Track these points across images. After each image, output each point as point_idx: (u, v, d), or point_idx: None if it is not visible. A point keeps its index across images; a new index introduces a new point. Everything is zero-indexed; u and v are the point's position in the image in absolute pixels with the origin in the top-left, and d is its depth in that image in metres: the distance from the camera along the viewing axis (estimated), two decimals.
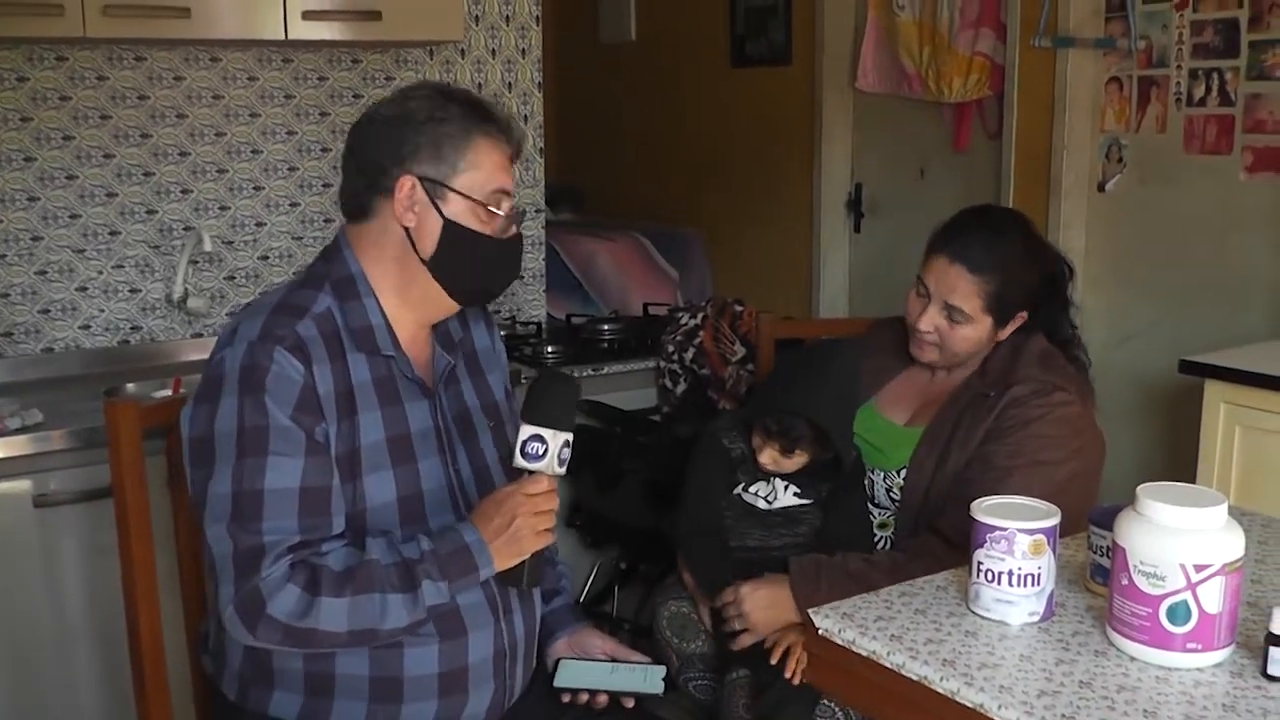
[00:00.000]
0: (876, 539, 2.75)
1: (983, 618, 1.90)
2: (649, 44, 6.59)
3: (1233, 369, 3.28)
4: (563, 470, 2.11)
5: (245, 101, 3.79)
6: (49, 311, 3.59)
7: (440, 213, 2.16)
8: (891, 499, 2.73)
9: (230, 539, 2.01)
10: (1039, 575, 1.86)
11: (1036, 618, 1.88)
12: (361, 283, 2.19)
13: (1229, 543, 1.70)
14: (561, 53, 6.78)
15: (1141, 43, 4.20)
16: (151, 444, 2.34)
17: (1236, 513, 1.87)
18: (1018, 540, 1.85)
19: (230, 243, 3.83)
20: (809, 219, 5.64)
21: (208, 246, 3.62)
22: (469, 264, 2.21)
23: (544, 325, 4.34)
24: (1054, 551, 1.87)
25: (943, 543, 2.49)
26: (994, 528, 1.86)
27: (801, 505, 2.71)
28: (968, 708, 1.68)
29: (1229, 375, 3.28)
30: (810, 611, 1.96)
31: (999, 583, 1.87)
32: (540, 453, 2.07)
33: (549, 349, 3.98)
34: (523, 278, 4.30)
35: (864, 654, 1.85)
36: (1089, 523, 2.00)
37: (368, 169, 2.18)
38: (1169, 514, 1.71)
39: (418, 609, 2.05)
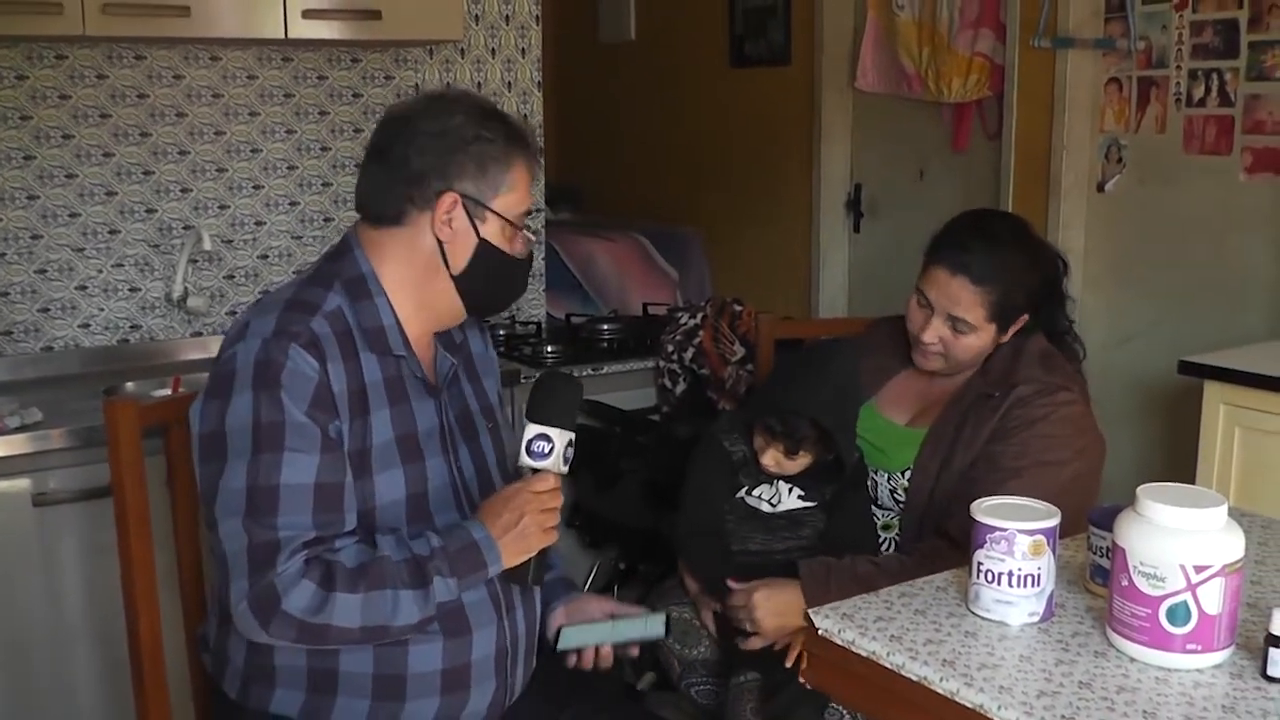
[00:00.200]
0: (881, 540, 2.75)
1: (982, 618, 1.90)
2: (648, 44, 6.59)
3: (1232, 370, 3.28)
4: (566, 469, 2.15)
5: (245, 100, 3.79)
6: (48, 310, 3.59)
7: (477, 231, 2.19)
8: (895, 500, 2.73)
9: (245, 534, 2.01)
10: (1039, 576, 1.86)
11: (1036, 618, 1.88)
12: (372, 282, 2.19)
13: (1229, 544, 1.70)
14: (561, 52, 6.78)
15: (1141, 43, 4.20)
16: (151, 443, 2.34)
17: (1236, 514, 1.87)
18: (1017, 541, 1.85)
19: (230, 241, 3.83)
20: (808, 219, 5.64)
21: (207, 245, 3.62)
22: (492, 281, 2.27)
23: (543, 325, 4.34)
24: (1054, 552, 1.87)
25: (951, 545, 2.48)
26: (994, 528, 1.86)
27: (805, 508, 2.70)
28: (967, 708, 1.68)
29: (1228, 376, 3.28)
30: (810, 612, 1.96)
31: (999, 583, 1.87)
32: (546, 451, 2.11)
33: (548, 348, 3.98)
34: None
35: (864, 654, 1.85)
36: (1089, 523, 2.00)
37: (409, 178, 2.17)
38: (1169, 515, 1.71)
39: (429, 606, 2.06)
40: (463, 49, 4.11)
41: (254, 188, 3.84)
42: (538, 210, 4.32)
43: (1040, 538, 1.85)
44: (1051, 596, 1.89)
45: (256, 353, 2.06)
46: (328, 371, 2.07)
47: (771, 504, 2.70)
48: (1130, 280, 4.36)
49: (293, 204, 3.90)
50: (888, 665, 1.81)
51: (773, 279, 5.82)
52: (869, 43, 5.19)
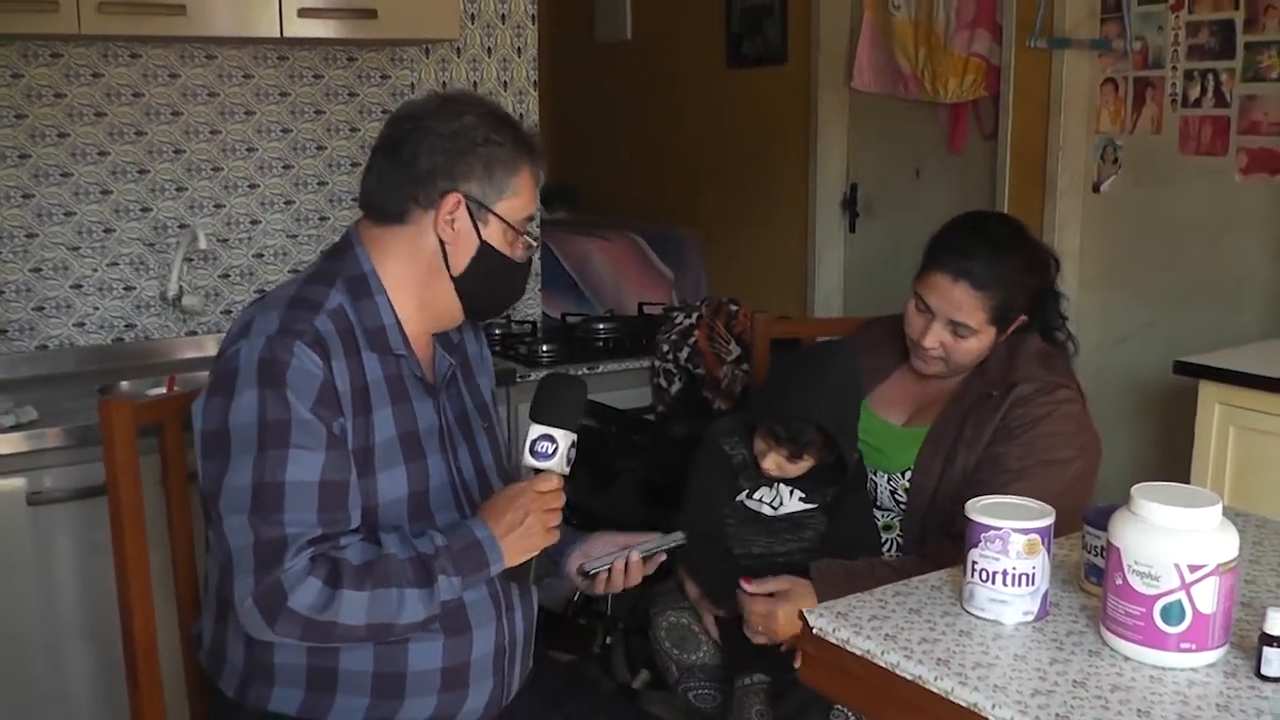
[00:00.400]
0: (882, 541, 2.75)
1: (977, 617, 1.90)
2: (645, 43, 6.59)
3: (1227, 370, 3.28)
4: (568, 470, 2.16)
5: (240, 99, 3.79)
6: (43, 309, 3.59)
7: (479, 234, 2.20)
8: (896, 501, 2.73)
9: (251, 530, 2.01)
10: (1033, 575, 1.86)
11: (1031, 617, 1.88)
12: (374, 281, 2.20)
13: (1223, 543, 1.70)
14: (557, 51, 6.77)
15: (1137, 44, 4.20)
16: (146, 442, 2.35)
17: (1231, 513, 1.87)
18: (1012, 540, 1.85)
19: (225, 240, 3.83)
20: (804, 219, 5.64)
21: (203, 244, 3.62)
22: (491, 284, 2.27)
23: (539, 324, 4.34)
24: (1048, 551, 1.87)
25: (959, 547, 2.47)
26: (988, 527, 1.86)
27: (807, 510, 2.69)
28: (962, 707, 1.68)
29: (1224, 376, 3.28)
30: (804, 610, 1.96)
31: (993, 582, 1.87)
32: (550, 452, 2.13)
33: (544, 348, 3.97)
34: None
35: (858, 653, 1.84)
36: (1083, 522, 1.99)
37: (416, 176, 2.17)
38: (1164, 514, 1.71)
39: (433, 604, 2.06)
40: (459, 48, 4.11)
41: (249, 186, 3.84)
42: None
43: (1035, 536, 1.85)
44: (1046, 595, 1.89)
45: (261, 350, 2.06)
46: (332, 369, 2.08)
47: (773, 507, 2.69)
48: (1126, 280, 4.37)
49: (288, 203, 3.90)
50: (882, 664, 1.80)
51: (768, 278, 5.82)
52: (865, 43, 5.19)
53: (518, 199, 2.21)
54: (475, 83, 4.13)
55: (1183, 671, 1.72)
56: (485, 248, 2.20)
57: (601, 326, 4.23)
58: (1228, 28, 3.94)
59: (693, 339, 3.92)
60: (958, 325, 2.64)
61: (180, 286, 3.71)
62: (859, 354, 2.79)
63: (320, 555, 2.01)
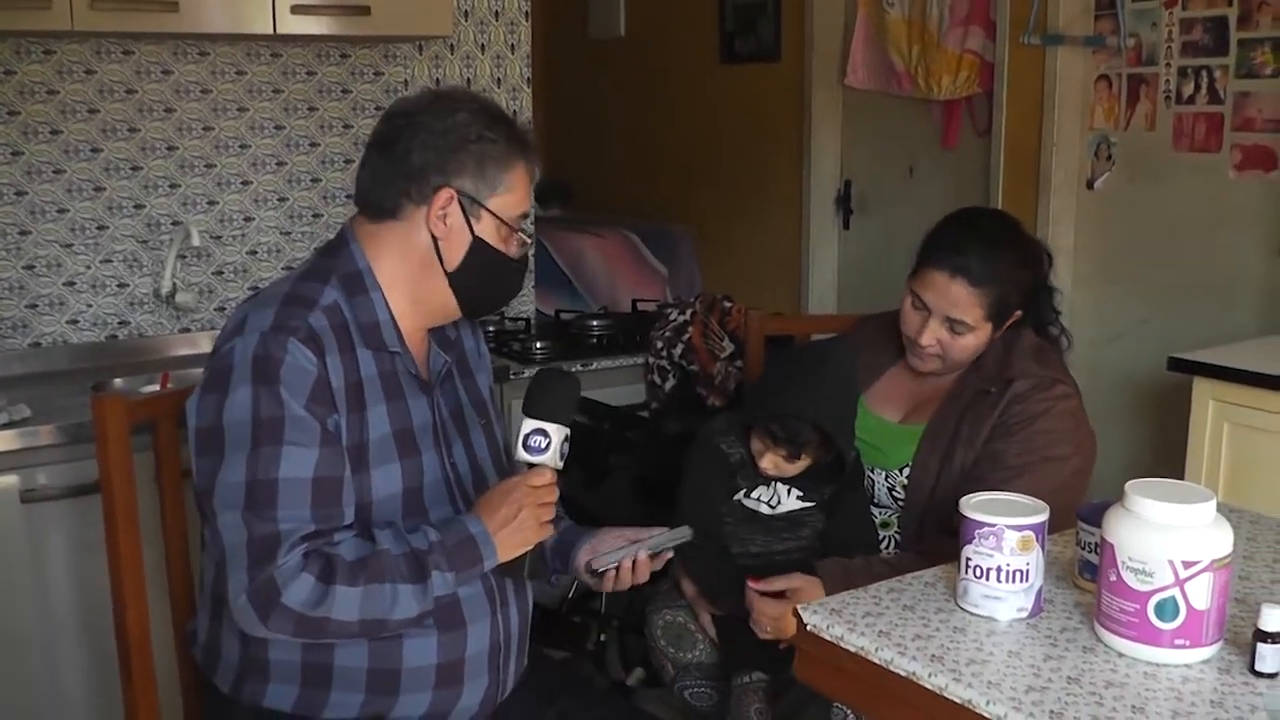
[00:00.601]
0: (880, 539, 2.75)
1: (971, 613, 1.90)
2: (638, 40, 6.59)
3: (1221, 366, 3.28)
4: (561, 464, 2.16)
5: (233, 96, 3.78)
6: (36, 306, 3.58)
7: (471, 229, 2.19)
8: (894, 498, 2.73)
9: (244, 527, 2.01)
10: (1027, 571, 1.86)
11: (1025, 614, 1.88)
12: (369, 278, 2.20)
13: (1217, 539, 1.71)
14: (550, 48, 6.76)
15: (1131, 40, 4.20)
16: (139, 439, 2.34)
17: (1225, 509, 1.87)
18: (1006, 536, 1.85)
19: (218, 237, 3.82)
20: (798, 215, 5.64)
21: (196, 241, 3.62)
22: (486, 280, 2.26)
23: (533, 321, 4.34)
24: (1042, 548, 1.88)
25: (957, 545, 2.47)
26: (982, 524, 1.86)
27: (804, 508, 2.69)
28: (956, 703, 1.68)
29: (1218, 373, 3.28)
30: (799, 607, 1.96)
31: (987, 578, 1.87)
32: (543, 446, 2.13)
33: (538, 345, 3.97)
34: None
35: (852, 650, 1.84)
36: (1078, 519, 2.00)
37: (409, 172, 2.17)
38: (1158, 510, 1.71)
39: (427, 600, 2.06)
40: (452, 45, 4.11)
41: (243, 183, 3.84)
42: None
43: (1029, 533, 1.85)
44: (1040, 592, 1.89)
45: (255, 347, 2.06)
46: (326, 366, 2.08)
47: (771, 506, 2.68)
48: (1120, 277, 4.37)
49: (281, 200, 3.90)
50: (876, 661, 1.80)
51: (762, 275, 5.81)
52: (859, 40, 5.19)
53: (511, 195, 2.21)
54: (469, 79, 4.13)
55: (1177, 668, 1.72)
56: (479, 243, 2.20)
57: (595, 323, 4.23)
58: (1221, 24, 3.94)
59: (687, 336, 3.91)
60: (955, 322, 2.64)
61: (174, 283, 3.70)
62: (856, 350, 2.79)
63: (314, 551, 2.01)
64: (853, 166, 5.52)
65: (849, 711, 2.51)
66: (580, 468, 3.72)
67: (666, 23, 6.34)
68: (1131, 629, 1.73)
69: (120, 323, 3.71)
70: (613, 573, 2.39)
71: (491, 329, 4.10)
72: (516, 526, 2.11)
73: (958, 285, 2.61)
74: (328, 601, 2.00)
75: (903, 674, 1.76)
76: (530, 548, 2.15)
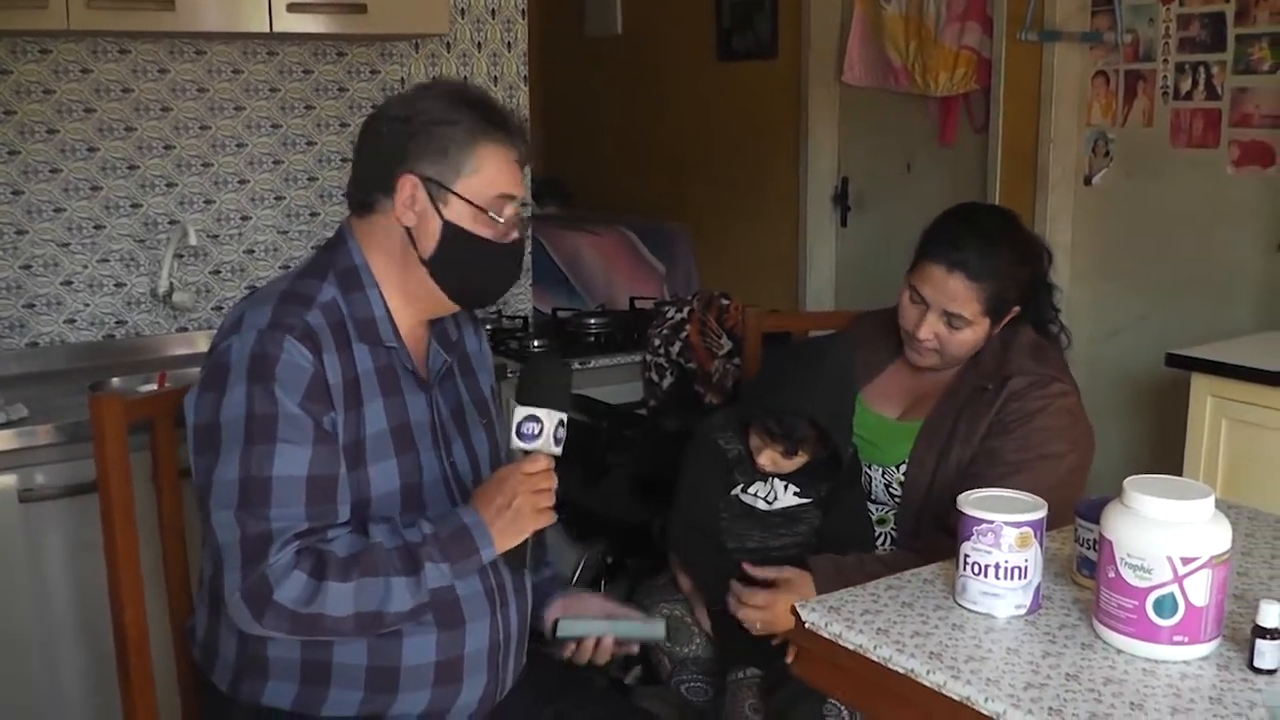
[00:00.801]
0: (876, 535, 2.75)
1: (969, 610, 1.90)
2: (635, 37, 6.58)
3: (1219, 362, 3.28)
4: (559, 450, 2.14)
5: (230, 94, 3.78)
6: (34, 306, 3.58)
7: (440, 214, 2.17)
8: (890, 495, 2.73)
9: (238, 525, 2.02)
10: (1025, 568, 1.86)
11: (1023, 610, 1.88)
12: (365, 274, 2.20)
13: (1216, 535, 1.71)
14: (547, 46, 6.76)
15: (1128, 36, 4.20)
16: (137, 438, 2.34)
17: (1223, 505, 1.87)
18: (1004, 533, 1.85)
19: (215, 237, 3.82)
20: (795, 213, 5.64)
21: (193, 240, 3.61)
22: (467, 266, 2.22)
23: (530, 319, 4.33)
24: (1041, 544, 1.88)
25: (953, 542, 2.46)
26: (980, 520, 1.86)
27: (801, 505, 2.69)
28: (955, 700, 1.68)
29: (1216, 369, 3.28)
30: (797, 604, 1.96)
31: (986, 575, 1.87)
32: (536, 432, 2.11)
33: (535, 343, 3.97)
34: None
35: (851, 647, 1.85)
36: (1076, 515, 2.00)
37: (375, 165, 2.19)
38: (1156, 507, 1.71)
39: (421, 592, 2.06)
40: (448, 43, 4.11)
41: (239, 182, 3.83)
42: (523, 204, 4.30)
43: (1027, 530, 1.85)
44: (1038, 589, 1.89)
45: (252, 345, 2.06)
46: (323, 363, 2.08)
47: (768, 502, 2.69)
48: (1117, 273, 4.37)
49: (278, 199, 3.89)
50: (875, 658, 1.81)
51: (760, 273, 5.81)
52: (856, 36, 5.19)
53: (479, 176, 2.17)
54: (465, 78, 4.13)
55: (1175, 664, 1.72)
56: (451, 228, 2.17)
57: (592, 321, 4.22)
58: (1219, 20, 3.94)
59: (684, 333, 3.91)
60: (952, 316, 2.64)
61: (171, 283, 3.70)
62: (854, 347, 2.79)
63: (306, 548, 2.02)
64: (850, 163, 5.52)
65: (843, 707, 2.52)
66: (578, 466, 3.72)
67: (663, 20, 6.34)
68: (1130, 625, 1.73)
69: (117, 322, 3.71)
70: (573, 645, 2.40)
71: (489, 327, 4.09)
72: (512, 515, 2.10)
73: (955, 279, 2.61)
74: (320, 598, 2.00)
75: (901, 671, 1.76)
76: (528, 536, 2.14)
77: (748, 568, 2.61)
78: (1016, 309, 2.70)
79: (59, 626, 3.05)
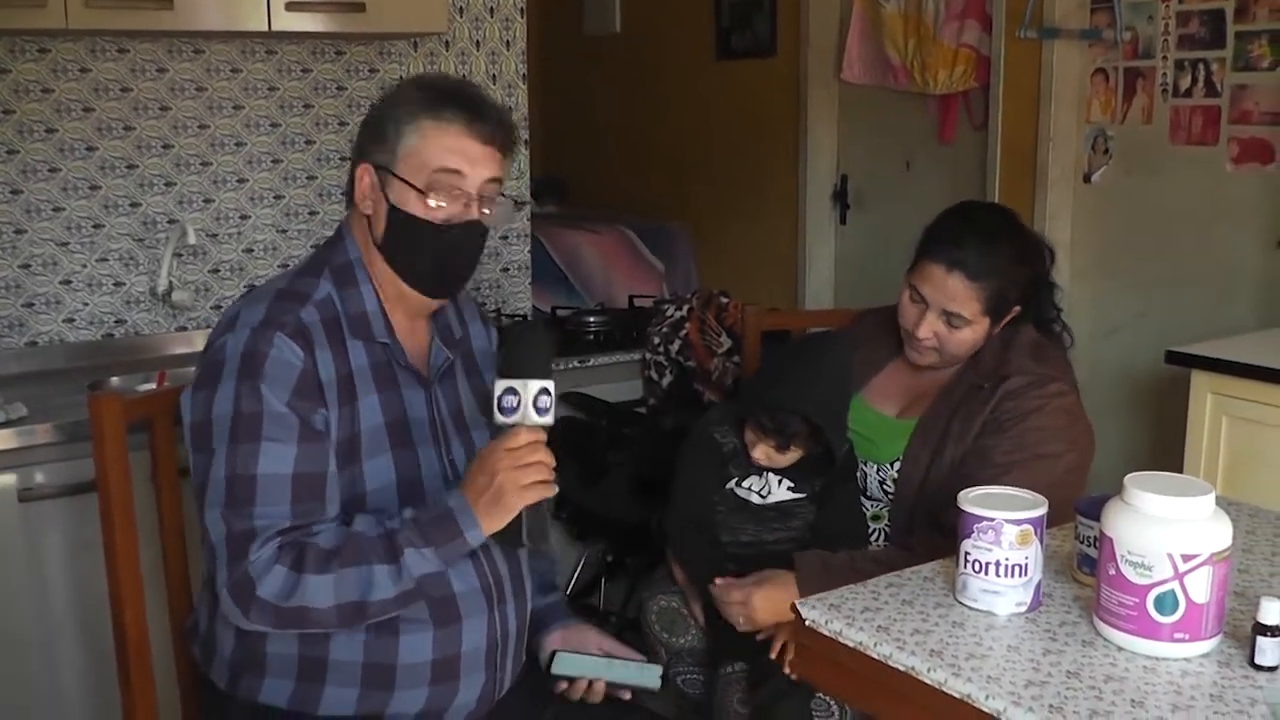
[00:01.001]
0: (870, 531, 2.75)
1: (970, 608, 1.90)
2: (634, 36, 6.58)
3: (1219, 360, 3.28)
4: (543, 419, 2.04)
5: (229, 93, 3.78)
6: (33, 305, 3.58)
7: (386, 199, 2.18)
8: (885, 491, 2.73)
9: (224, 523, 2.03)
10: (1026, 565, 1.86)
11: (1024, 608, 1.88)
12: (359, 269, 2.21)
13: (1216, 532, 1.71)
14: (546, 45, 6.76)
15: (1127, 34, 4.19)
16: (136, 438, 2.34)
17: (1224, 502, 1.87)
18: (1005, 530, 1.84)
19: (214, 235, 3.82)
20: (794, 211, 5.64)
21: (192, 239, 3.61)
22: (414, 250, 2.20)
23: (529, 318, 4.33)
24: (1041, 542, 1.87)
25: (946, 540, 2.46)
26: (981, 518, 1.86)
27: (795, 500, 2.70)
28: (955, 698, 1.68)
29: (1216, 366, 3.28)
30: (797, 602, 1.96)
31: (986, 573, 1.87)
32: (514, 405, 2.02)
33: None
34: (508, 270, 4.30)
35: (851, 645, 1.84)
36: (1076, 513, 1.99)
37: (351, 161, 2.24)
38: (1157, 504, 1.71)
39: (403, 579, 2.03)
40: (447, 41, 4.10)
41: (238, 181, 3.83)
42: (523, 203, 4.31)
43: (1027, 527, 1.85)
44: (1039, 586, 1.89)
45: (245, 343, 2.08)
46: (315, 359, 2.08)
47: (761, 495, 2.70)
48: (1117, 271, 4.36)
49: (277, 197, 3.89)
50: (875, 656, 1.80)
51: (759, 271, 5.81)
52: (854, 34, 5.18)
53: (418, 155, 2.15)
54: (464, 76, 4.12)
55: (1176, 661, 1.72)
56: (393, 212, 2.17)
57: (592, 320, 4.22)
58: (1218, 17, 3.93)
59: (684, 332, 3.91)
60: (951, 315, 2.64)
61: (170, 282, 3.70)
62: (854, 346, 2.80)
63: (288, 543, 2.02)
64: (849, 162, 5.51)
65: (832, 702, 2.52)
66: (577, 464, 3.72)
67: (662, 19, 6.34)
68: (1131, 623, 1.73)
69: (117, 321, 3.70)
70: (565, 682, 2.37)
71: None
72: (495, 494, 2.02)
73: (955, 279, 2.61)
74: (300, 591, 2.00)
75: (902, 669, 1.76)
76: (515, 514, 2.04)
77: (724, 581, 2.63)
78: (1017, 309, 2.69)
79: (58, 626, 3.05)
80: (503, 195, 2.26)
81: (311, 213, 3.94)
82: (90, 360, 3.63)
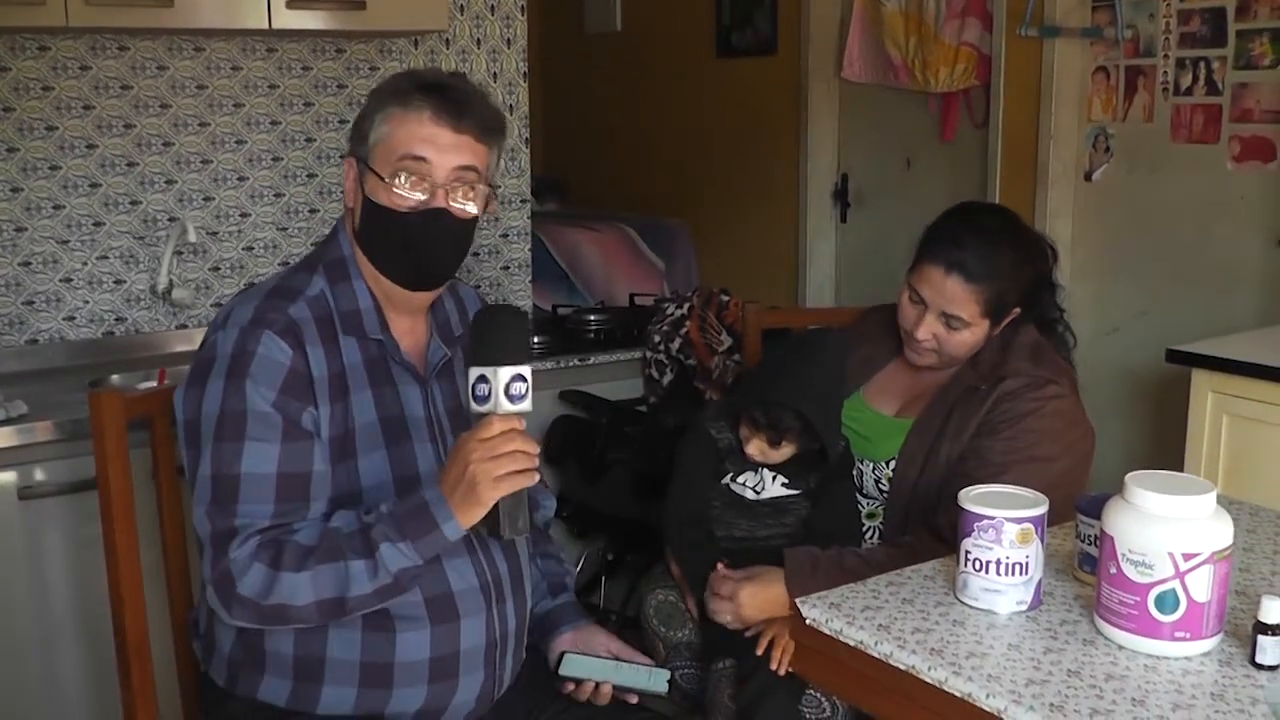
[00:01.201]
0: (865, 529, 2.75)
1: (970, 607, 1.89)
2: (634, 34, 6.58)
3: (1220, 358, 3.28)
4: (517, 407, 1.97)
5: (229, 91, 3.77)
6: (33, 303, 3.57)
7: (362, 190, 2.19)
8: (880, 490, 2.73)
9: (209, 521, 2.04)
10: (1027, 564, 1.86)
11: (1024, 607, 1.88)
12: (352, 265, 2.21)
13: (1217, 531, 1.70)
14: (546, 43, 6.76)
15: (1128, 32, 4.20)
16: (136, 435, 2.34)
17: (1224, 501, 1.87)
18: (1005, 529, 1.84)
19: (215, 234, 3.81)
20: (795, 209, 5.64)
21: (192, 237, 3.61)
22: (383, 240, 2.19)
23: (530, 316, 4.32)
24: (1042, 540, 1.87)
25: (937, 540, 2.47)
26: (982, 516, 1.86)
27: (789, 496, 2.70)
28: (956, 697, 1.68)
29: (1216, 364, 3.28)
30: (798, 601, 1.96)
31: (987, 571, 1.87)
32: (485, 394, 1.96)
33: (535, 339, 3.97)
34: (508, 268, 4.29)
35: (851, 643, 1.84)
36: (1077, 511, 1.99)
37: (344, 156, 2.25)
38: (1157, 502, 1.71)
39: (380, 574, 2.00)
40: (448, 39, 4.10)
41: (239, 179, 3.83)
42: (523, 201, 4.31)
43: (1028, 526, 1.85)
44: (1039, 585, 1.89)
45: (234, 341, 2.08)
46: (306, 357, 2.08)
47: (756, 491, 2.70)
48: (1118, 269, 4.37)
49: (278, 195, 3.89)
50: (875, 654, 1.80)
51: (760, 269, 5.81)
52: (855, 32, 5.19)
53: (386, 143, 2.14)
54: (464, 74, 4.12)
55: (1177, 660, 1.72)
56: (366, 203, 2.18)
57: (592, 318, 4.21)
58: (1219, 15, 3.93)
59: (684, 330, 3.91)
60: (950, 317, 2.63)
61: (170, 280, 3.70)
62: (857, 344, 2.81)
63: (267, 540, 2.02)
64: (850, 160, 5.52)
65: (823, 698, 2.52)
66: (578, 463, 3.72)
67: (663, 17, 6.34)
68: (1131, 621, 1.73)
69: (117, 319, 3.70)
70: (572, 684, 2.35)
71: None
72: (467, 486, 1.96)
73: (954, 281, 2.61)
74: (277, 588, 2.00)
75: (902, 668, 1.76)
76: (490, 506, 1.98)
77: (716, 576, 2.63)
78: (1017, 310, 2.69)
79: (59, 623, 3.04)
80: (487, 186, 2.22)
81: (312, 210, 3.94)
82: (91, 358, 3.63)
